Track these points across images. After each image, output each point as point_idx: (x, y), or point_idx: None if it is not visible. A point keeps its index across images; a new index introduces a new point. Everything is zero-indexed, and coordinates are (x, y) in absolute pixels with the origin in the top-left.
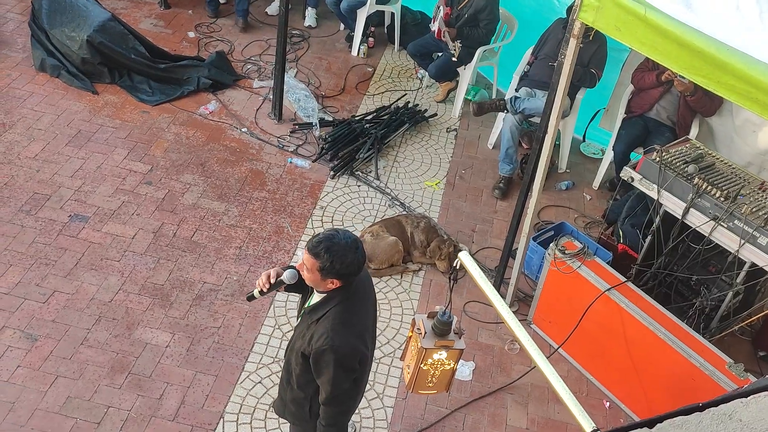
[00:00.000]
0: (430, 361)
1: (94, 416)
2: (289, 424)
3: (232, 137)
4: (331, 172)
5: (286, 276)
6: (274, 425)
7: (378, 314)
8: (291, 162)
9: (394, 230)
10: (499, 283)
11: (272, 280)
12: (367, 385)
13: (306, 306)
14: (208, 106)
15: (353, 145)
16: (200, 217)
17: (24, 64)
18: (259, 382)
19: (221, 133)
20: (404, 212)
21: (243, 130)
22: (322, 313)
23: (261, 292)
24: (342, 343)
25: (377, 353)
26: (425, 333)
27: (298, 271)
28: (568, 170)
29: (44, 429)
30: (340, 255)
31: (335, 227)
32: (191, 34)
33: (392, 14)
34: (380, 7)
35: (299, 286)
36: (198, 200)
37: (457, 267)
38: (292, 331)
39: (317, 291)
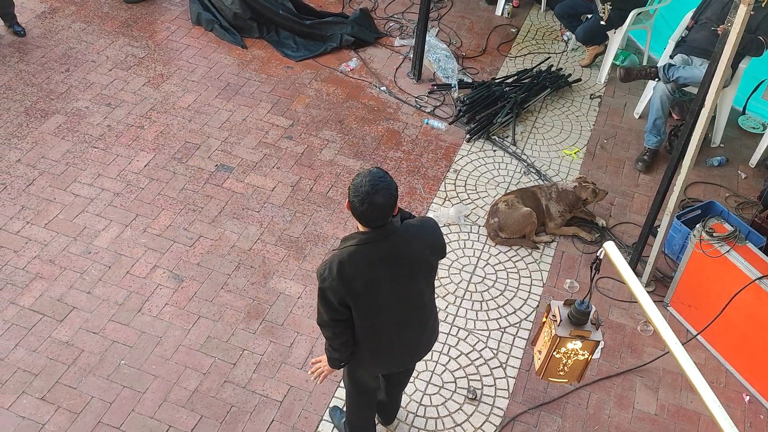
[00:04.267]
0: (563, 350)
1: (231, 357)
2: None
3: (370, 95)
4: (467, 136)
5: None
6: None
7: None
8: (427, 123)
9: (529, 202)
10: (636, 261)
11: None
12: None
13: None
14: (350, 63)
15: (491, 108)
16: (336, 173)
17: (182, 18)
18: None
19: (360, 90)
20: (539, 182)
21: (382, 88)
22: (342, 245)
23: None
24: (324, 276)
25: (503, 322)
26: (560, 320)
27: None
28: (722, 145)
29: (186, 364)
30: (353, 188)
31: (384, 170)
32: None
33: None
34: None
35: None
36: (335, 157)
37: (601, 257)
38: None
39: None
